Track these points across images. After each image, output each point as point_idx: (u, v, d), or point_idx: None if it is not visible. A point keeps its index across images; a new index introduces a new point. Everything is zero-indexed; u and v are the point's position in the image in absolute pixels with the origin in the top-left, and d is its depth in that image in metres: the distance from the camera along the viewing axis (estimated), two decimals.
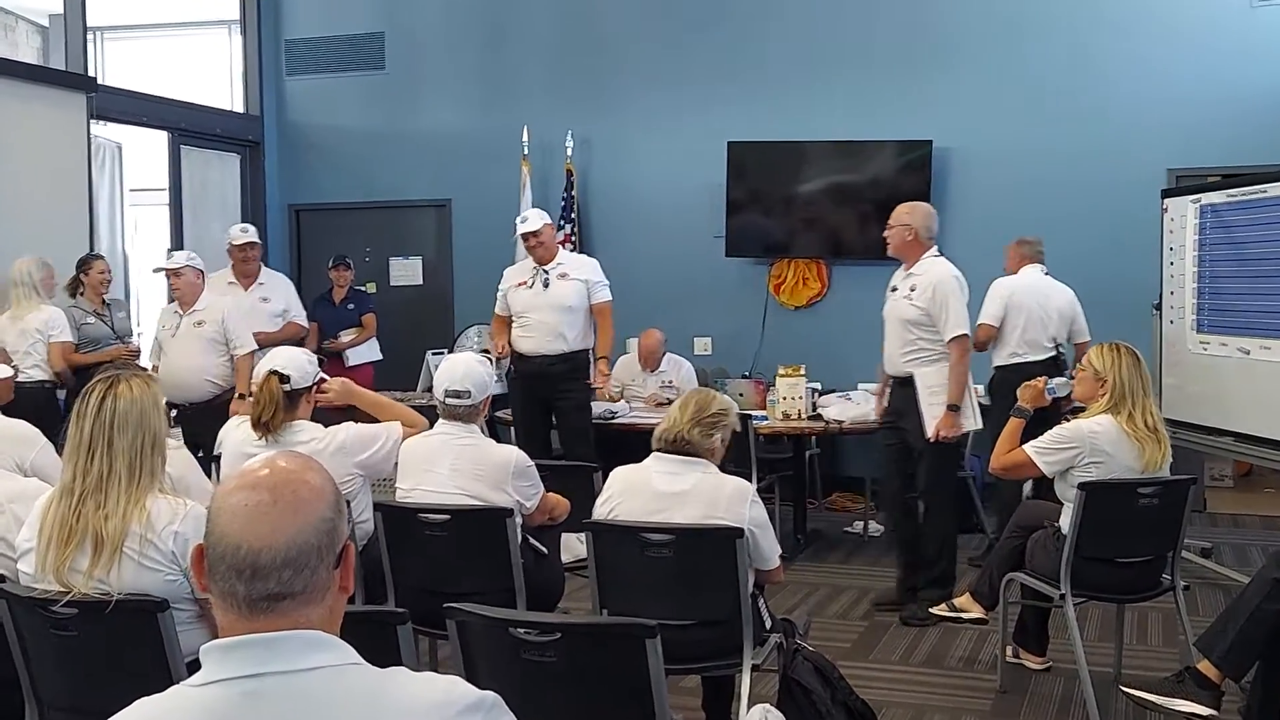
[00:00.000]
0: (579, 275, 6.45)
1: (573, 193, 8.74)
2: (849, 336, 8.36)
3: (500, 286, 6.61)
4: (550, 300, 6.38)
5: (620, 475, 3.61)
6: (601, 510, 3.58)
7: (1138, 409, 4.13)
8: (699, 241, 8.58)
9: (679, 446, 3.50)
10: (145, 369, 6.04)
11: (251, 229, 7.53)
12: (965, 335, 5.31)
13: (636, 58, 8.86)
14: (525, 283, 6.47)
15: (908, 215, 5.46)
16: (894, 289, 5.53)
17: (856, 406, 6.73)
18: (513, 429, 7.22)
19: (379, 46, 9.47)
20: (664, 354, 7.70)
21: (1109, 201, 7.73)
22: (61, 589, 2.77)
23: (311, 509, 1.46)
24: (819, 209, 8.43)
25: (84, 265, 6.91)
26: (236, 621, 1.44)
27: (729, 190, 8.47)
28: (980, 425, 5.52)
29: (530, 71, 9.10)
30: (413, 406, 7.35)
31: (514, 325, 6.51)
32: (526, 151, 8.85)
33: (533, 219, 6.46)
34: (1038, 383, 4.53)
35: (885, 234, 5.53)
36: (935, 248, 5.47)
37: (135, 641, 2.76)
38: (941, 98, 8.20)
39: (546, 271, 6.42)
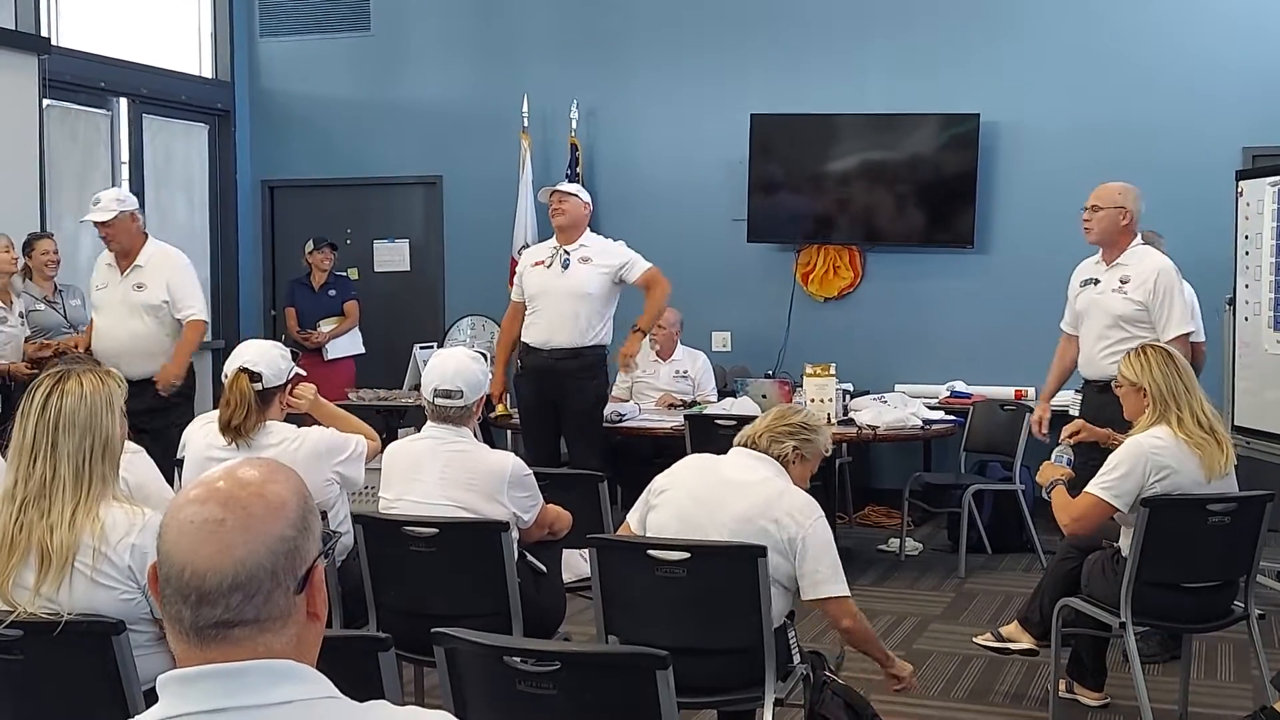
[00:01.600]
0: (602, 262, 6.38)
1: (577, 169, 8.73)
2: (885, 332, 8.37)
3: (518, 268, 6.63)
4: (567, 284, 6.32)
5: (694, 456, 3.81)
6: (659, 481, 3.65)
7: (1185, 410, 4.08)
8: (718, 225, 8.57)
9: (749, 446, 3.66)
10: (100, 363, 6.01)
11: (106, 197, 6.18)
12: (1188, 335, 5.16)
13: (649, 19, 8.84)
14: (542, 262, 6.43)
15: (1120, 196, 5.29)
16: (1092, 281, 5.37)
17: (893, 410, 6.71)
18: (509, 433, 7.22)
19: (363, 5, 9.46)
20: (679, 340, 7.74)
21: (1177, 184, 7.66)
22: (5, 608, 2.78)
23: (266, 527, 1.44)
24: (852, 190, 8.41)
25: (28, 246, 6.91)
26: (189, 650, 1.43)
27: (752, 168, 8.45)
28: None
29: (531, 34, 9.09)
30: (399, 406, 7.53)
31: (526, 312, 6.47)
32: (526, 123, 8.84)
33: (567, 185, 6.56)
34: (1045, 465, 4.44)
35: (1087, 218, 5.33)
36: (1140, 236, 5.34)
37: (87, 667, 2.76)
38: (990, 65, 8.16)
39: (568, 252, 6.38)
